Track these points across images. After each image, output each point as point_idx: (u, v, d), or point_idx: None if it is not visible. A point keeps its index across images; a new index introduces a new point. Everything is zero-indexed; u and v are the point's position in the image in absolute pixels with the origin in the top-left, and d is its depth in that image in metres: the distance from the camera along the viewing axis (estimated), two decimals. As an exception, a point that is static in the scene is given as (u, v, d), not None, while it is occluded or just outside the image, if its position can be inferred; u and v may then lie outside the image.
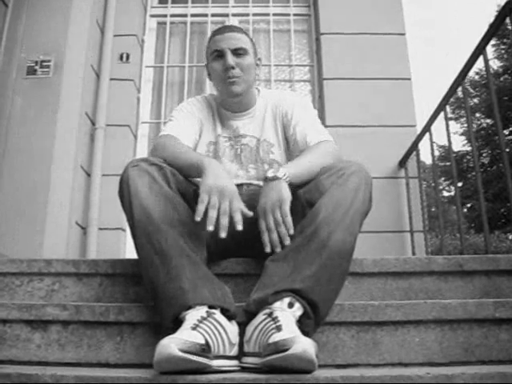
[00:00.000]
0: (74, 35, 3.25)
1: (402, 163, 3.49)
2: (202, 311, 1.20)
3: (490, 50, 18.83)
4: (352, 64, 3.74)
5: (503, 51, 20.38)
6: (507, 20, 2.19)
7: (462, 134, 20.81)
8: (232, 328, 1.23)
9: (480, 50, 2.41)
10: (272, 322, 1.15)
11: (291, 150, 1.80)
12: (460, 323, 1.34)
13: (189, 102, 1.92)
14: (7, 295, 1.68)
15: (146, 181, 1.40)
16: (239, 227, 1.36)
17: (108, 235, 3.34)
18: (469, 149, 19.75)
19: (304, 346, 1.02)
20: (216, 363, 1.11)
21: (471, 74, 16.60)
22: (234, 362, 1.22)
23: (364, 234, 1.43)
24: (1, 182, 2.90)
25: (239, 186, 1.76)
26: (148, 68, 4.04)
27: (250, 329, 1.24)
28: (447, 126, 2.85)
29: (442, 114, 2.94)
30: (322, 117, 3.41)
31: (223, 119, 1.87)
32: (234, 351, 1.23)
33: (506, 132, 19.04)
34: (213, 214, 1.34)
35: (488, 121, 20.16)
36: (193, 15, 4.14)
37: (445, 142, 16.85)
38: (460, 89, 2.78)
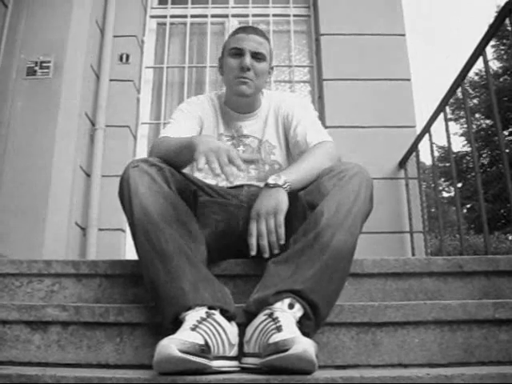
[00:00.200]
0: (74, 36, 3.25)
1: (402, 164, 3.49)
2: (201, 312, 1.19)
3: (489, 50, 18.82)
4: (352, 65, 3.74)
5: (503, 52, 20.41)
6: (507, 21, 2.20)
7: (461, 135, 20.83)
8: (232, 329, 1.23)
9: (480, 51, 2.41)
10: (272, 323, 1.15)
11: (291, 150, 1.81)
12: (460, 324, 1.34)
13: (189, 101, 1.92)
14: (7, 296, 1.68)
15: (145, 181, 1.40)
16: (241, 170, 1.34)
17: (108, 236, 3.34)
18: (468, 149, 19.77)
19: (304, 346, 1.02)
20: (216, 364, 1.11)
21: (471, 74, 16.60)
22: (234, 363, 1.21)
23: (364, 235, 1.43)
24: (1, 183, 2.90)
25: (239, 186, 1.77)
26: (148, 69, 4.05)
27: (250, 329, 1.24)
28: (447, 126, 2.85)
29: (441, 115, 2.94)
30: (321, 118, 3.41)
31: (227, 118, 1.88)
32: (234, 352, 1.23)
33: (506, 133, 19.06)
34: (215, 165, 1.31)
35: (488, 121, 20.18)
36: (192, 16, 4.14)
37: (444, 143, 16.83)
38: (460, 89, 2.78)
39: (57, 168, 2.96)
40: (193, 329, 1.12)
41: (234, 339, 1.23)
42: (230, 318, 1.26)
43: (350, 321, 1.35)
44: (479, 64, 2.48)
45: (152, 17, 4.19)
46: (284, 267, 1.30)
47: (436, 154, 17.99)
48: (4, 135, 2.99)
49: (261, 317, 1.21)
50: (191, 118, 1.82)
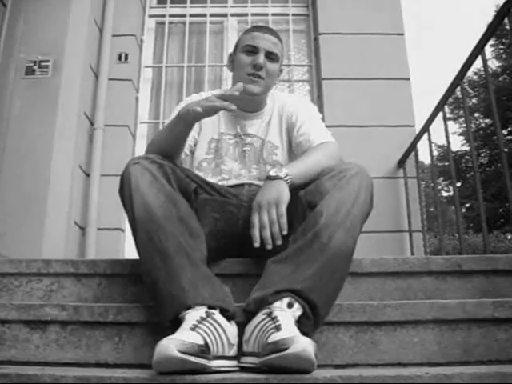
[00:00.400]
0: (73, 35, 3.25)
1: (401, 163, 3.49)
2: (201, 311, 1.19)
3: (488, 49, 18.87)
4: (350, 64, 3.74)
5: (502, 51, 20.42)
6: (506, 20, 2.20)
7: (460, 134, 20.85)
8: (231, 328, 1.23)
9: (478, 50, 2.41)
10: (271, 322, 1.15)
11: (294, 151, 1.81)
12: (459, 323, 1.34)
13: (190, 98, 1.92)
14: (6, 296, 1.68)
15: (146, 178, 1.41)
16: (233, 107, 1.45)
17: (107, 235, 3.34)
18: (467, 149, 19.78)
19: (303, 345, 1.02)
20: (215, 363, 1.11)
21: (470, 73, 16.61)
22: (233, 363, 1.21)
23: (363, 234, 1.43)
24: (0, 183, 2.90)
25: (240, 185, 1.77)
26: (147, 68, 4.04)
27: (249, 328, 1.24)
28: (446, 125, 2.86)
29: (440, 114, 2.94)
30: (321, 116, 3.40)
31: (230, 116, 1.87)
32: (233, 351, 1.23)
33: (505, 132, 19.08)
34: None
35: (487, 121, 20.20)
36: (191, 15, 4.13)
37: (443, 142, 16.84)
38: (459, 89, 2.78)
39: (56, 167, 2.96)
40: (192, 329, 1.12)
41: (234, 339, 1.23)
42: (229, 318, 1.26)
43: (348, 320, 1.35)
44: (478, 63, 2.48)
45: (151, 16, 4.19)
46: (283, 266, 1.30)
47: (435, 153, 17.91)
48: (3, 134, 2.99)
49: (260, 316, 1.21)
50: None
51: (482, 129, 20.50)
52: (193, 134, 1.81)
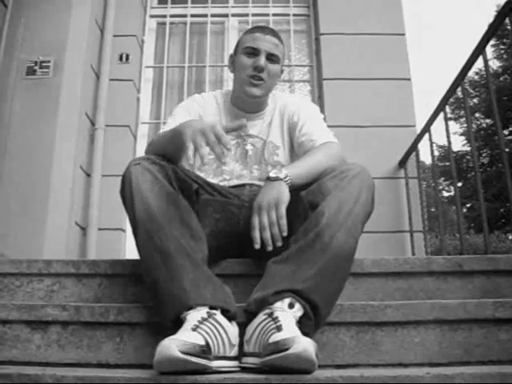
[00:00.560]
0: (74, 36, 3.25)
1: (402, 163, 3.49)
2: (202, 312, 1.19)
3: (489, 49, 18.86)
4: (351, 64, 3.74)
5: (503, 51, 20.40)
6: (507, 20, 2.20)
7: (461, 134, 20.82)
8: (232, 329, 1.23)
9: (479, 50, 2.41)
10: (272, 322, 1.15)
11: (296, 151, 1.81)
12: (460, 323, 1.34)
13: (189, 99, 1.92)
14: (7, 296, 1.68)
15: (147, 179, 1.41)
16: (229, 147, 1.31)
17: (108, 236, 3.34)
18: (468, 149, 19.77)
19: (304, 345, 1.02)
20: (216, 364, 1.11)
21: (471, 74, 16.62)
22: (234, 363, 1.21)
23: (364, 234, 1.43)
24: (1, 183, 2.91)
25: (241, 186, 1.77)
26: (148, 68, 4.04)
27: (250, 329, 1.24)
28: (447, 126, 2.85)
29: (441, 114, 2.94)
30: (323, 116, 3.40)
31: (231, 117, 1.87)
32: (234, 352, 1.23)
33: (506, 132, 19.06)
34: (203, 151, 1.30)
35: (487, 121, 20.18)
36: (192, 15, 4.13)
37: (444, 142, 16.85)
38: (459, 89, 2.78)
39: (57, 168, 2.96)
40: (194, 329, 1.12)
41: (235, 339, 1.23)
42: (230, 318, 1.26)
43: (349, 320, 1.35)
44: (479, 63, 2.48)
45: (152, 16, 4.19)
46: (284, 267, 1.30)
47: (436, 153, 17.96)
48: (4, 135, 2.99)
49: (261, 316, 1.21)
50: (190, 116, 1.81)
51: (482, 129, 20.48)
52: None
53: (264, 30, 1.83)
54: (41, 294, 1.68)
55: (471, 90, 20.31)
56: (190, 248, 1.33)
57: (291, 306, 1.21)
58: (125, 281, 1.68)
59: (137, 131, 3.81)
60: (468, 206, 20.11)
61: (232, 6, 4.17)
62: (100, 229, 3.31)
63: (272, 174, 1.47)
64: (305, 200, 1.43)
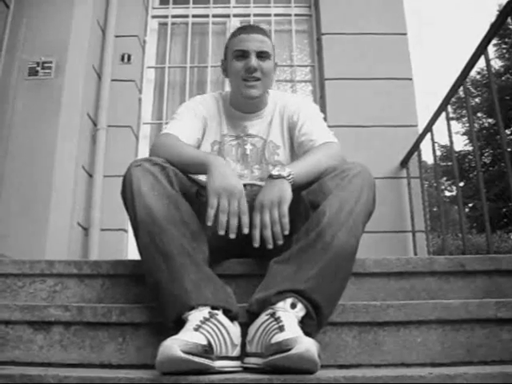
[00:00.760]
0: (76, 36, 3.26)
1: (404, 163, 3.49)
2: (204, 312, 1.20)
3: (491, 49, 18.80)
4: (353, 64, 3.74)
5: (505, 51, 20.38)
6: (509, 19, 2.19)
7: (463, 134, 20.82)
8: (234, 329, 1.23)
9: (481, 50, 2.41)
10: (275, 323, 1.15)
11: (296, 151, 1.80)
12: (462, 323, 1.34)
13: (195, 99, 1.91)
14: (10, 296, 1.69)
15: (148, 180, 1.40)
16: (246, 230, 1.40)
17: (110, 236, 3.35)
18: (470, 148, 19.76)
19: (306, 345, 1.02)
20: (218, 364, 1.11)
21: (473, 73, 16.60)
22: (237, 363, 1.22)
23: (366, 234, 1.43)
24: (3, 183, 2.91)
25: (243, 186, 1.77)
26: (149, 69, 4.05)
27: (252, 329, 1.24)
28: (449, 125, 2.85)
29: (443, 114, 2.94)
30: (324, 116, 3.40)
31: (231, 118, 1.87)
32: (237, 352, 1.23)
33: (508, 131, 19.02)
34: (223, 218, 1.38)
35: (490, 120, 20.17)
36: (194, 16, 4.13)
37: (446, 142, 16.87)
38: (461, 88, 2.78)
39: (59, 168, 2.96)
40: (196, 329, 1.12)
41: (237, 339, 1.23)
42: (232, 318, 1.26)
43: (352, 320, 1.35)
44: (481, 63, 2.48)
45: (153, 17, 4.19)
46: (286, 266, 1.30)
47: (438, 153, 17.86)
48: (6, 135, 3.00)
49: (263, 316, 1.21)
50: (196, 117, 1.81)
51: (485, 128, 20.46)
52: (197, 136, 1.80)
53: (248, 29, 1.82)
54: (43, 294, 1.69)
55: (473, 90, 20.29)
56: (191, 249, 1.33)
57: (293, 306, 1.21)
58: (127, 281, 1.68)
59: (139, 132, 3.81)
60: (470, 205, 20.08)
61: (233, 7, 4.17)
62: (102, 229, 3.32)
63: (275, 172, 1.46)
64: (306, 200, 1.43)
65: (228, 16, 4.13)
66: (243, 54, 1.76)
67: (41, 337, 1.38)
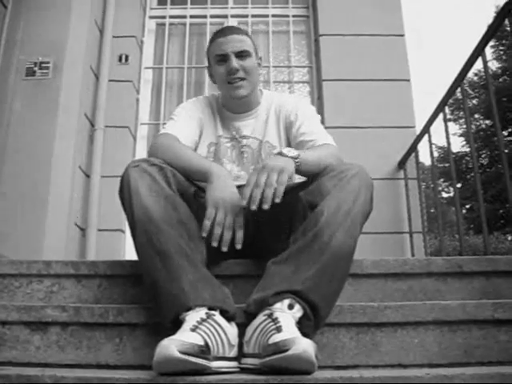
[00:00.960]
0: (73, 36, 3.25)
1: (401, 164, 3.49)
2: (201, 312, 1.19)
3: (488, 51, 18.86)
4: (351, 65, 3.74)
5: (502, 52, 20.44)
6: (506, 21, 2.20)
7: (460, 135, 20.87)
8: (231, 329, 1.23)
9: (479, 51, 2.41)
10: (272, 323, 1.15)
11: None
12: (459, 324, 1.34)
13: (190, 102, 1.93)
14: (6, 297, 1.68)
15: (146, 181, 1.40)
16: (238, 246, 1.42)
17: (107, 236, 3.34)
18: (468, 150, 19.79)
19: (304, 346, 1.02)
20: (215, 364, 1.11)
21: (470, 75, 16.64)
22: (234, 363, 1.21)
23: (363, 235, 1.43)
24: (0, 184, 2.90)
25: (239, 187, 1.76)
26: (147, 69, 4.04)
27: (249, 330, 1.24)
28: (446, 127, 2.85)
29: (441, 115, 2.94)
30: (320, 118, 3.40)
31: (225, 120, 1.88)
32: (234, 352, 1.23)
33: (505, 133, 19.09)
34: (218, 230, 1.40)
35: (487, 122, 20.22)
36: (192, 16, 4.13)
37: (444, 143, 16.88)
38: (459, 90, 2.78)
39: (56, 169, 2.96)
40: (193, 329, 1.12)
41: (234, 340, 1.23)
42: (229, 319, 1.26)
43: (349, 321, 1.35)
44: (478, 64, 2.48)
45: (151, 17, 4.19)
46: (284, 267, 1.29)
47: (435, 154, 17.96)
48: (3, 136, 2.99)
49: (260, 317, 1.21)
50: (192, 119, 1.82)
51: (482, 130, 20.51)
52: (195, 138, 1.81)
53: (224, 32, 1.83)
54: (40, 294, 1.68)
55: (470, 91, 20.35)
56: (188, 249, 1.33)
57: (291, 306, 1.21)
58: (124, 282, 1.68)
59: (136, 132, 3.81)
60: (467, 206, 20.14)
61: (231, 7, 4.17)
62: (99, 230, 3.31)
63: (284, 151, 1.46)
64: (304, 200, 1.42)
65: (226, 17, 4.13)
66: (223, 58, 1.78)
67: (38, 337, 1.38)
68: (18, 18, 3.21)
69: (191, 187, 1.56)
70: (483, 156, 20.50)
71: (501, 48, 20.44)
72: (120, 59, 3.75)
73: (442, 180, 20.54)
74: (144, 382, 1.05)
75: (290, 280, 1.25)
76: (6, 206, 2.85)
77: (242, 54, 1.78)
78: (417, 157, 3.39)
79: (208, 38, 3.99)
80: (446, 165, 18.03)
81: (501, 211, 18.14)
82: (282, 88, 4.03)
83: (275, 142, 1.83)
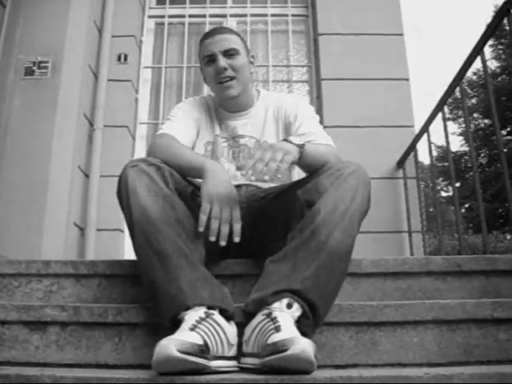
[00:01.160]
0: (72, 36, 3.25)
1: (400, 163, 3.49)
2: (200, 312, 1.19)
3: (487, 50, 18.88)
4: (350, 64, 3.74)
5: (501, 51, 20.45)
6: (505, 20, 2.20)
7: (459, 135, 20.89)
8: (231, 329, 1.23)
9: (478, 51, 2.41)
10: (271, 323, 1.15)
11: None
12: (458, 323, 1.34)
13: (187, 102, 1.93)
14: (6, 296, 1.68)
15: (144, 181, 1.40)
16: (236, 239, 1.41)
17: (106, 236, 3.34)
18: (467, 149, 19.80)
19: (303, 346, 1.02)
20: (215, 364, 1.11)
21: (469, 74, 16.64)
22: (233, 363, 1.21)
23: (362, 235, 1.43)
24: (-1, 183, 2.90)
25: (238, 186, 1.76)
26: (146, 69, 4.04)
27: (248, 329, 1.24)
28: (445, 126, 2.86)
29: (440, 115, 2.94)
30: (319, 117, 3.40)
31: (221, 119, 1.88)
32: (233, 352, 1.23)
33: (504, 132, 19.10)
34: (215, 225, 1.39)
35: (486, 121, 20.24)
36: (191, 16, 4.13)
37: (443, 143, 16.86)
38: (458, 89, 2.78)
39: (55, 168, 2.96)
40: (192, 329, 1.12)
41: (233, 339, 1.23)
42: (228, 318, 1.25)
43: (348, 320, 1.35)
44: (477, 63, 2.48)
45: (150, 17, 4.19)
46: (281, 265, 1.29)
47: (434, 153, 17.88)
48: (2, 135, 2.99)
49: (259, 317, 1.21)
50: (189, 119, 1.83)
51: (481, 129, 20.53)
52: (192, 137, 1.81)
53: (211, 33, 1.83)
54: (39, 294, 1.68)
55: (469, 91, 20.37)
56: (187, 249, 1.33)
57: (289, 306, 1.21)
58: (123, 281, 1.68)
59: (135, 132, 3.80)
60: (466, 206, 20.15)
61: (230, 7, 4.16)
62: (98, 229, 3.31)
63: (291, 138, 1.47)
64: (301, 198, 1.42)
65: (225, 16, 4.13)
66: (211, 58, 1.79)
67: (37, 337, 1.38)
68: (16, 18, 3.21)
69: (189, 186, 1.56)
70: (482, 155, 20.52)
71: (500, 47, 20.46)
72: (119, 59, 3.75)
73: (441, 179, 20.54)
74: (143, 382, 1.05)
75: (289, 279, 1.25)
76: (5, 205, 2.84)
77: (229, 53, 1.78)
78: (416, 156, 3.39)
79: (207, 37, 3.99)
80: (445, 164, 18.02)
81: (500, 210, 18.16)
82: (280, 87, 4.03)
83: (273, 141, 1.83)
